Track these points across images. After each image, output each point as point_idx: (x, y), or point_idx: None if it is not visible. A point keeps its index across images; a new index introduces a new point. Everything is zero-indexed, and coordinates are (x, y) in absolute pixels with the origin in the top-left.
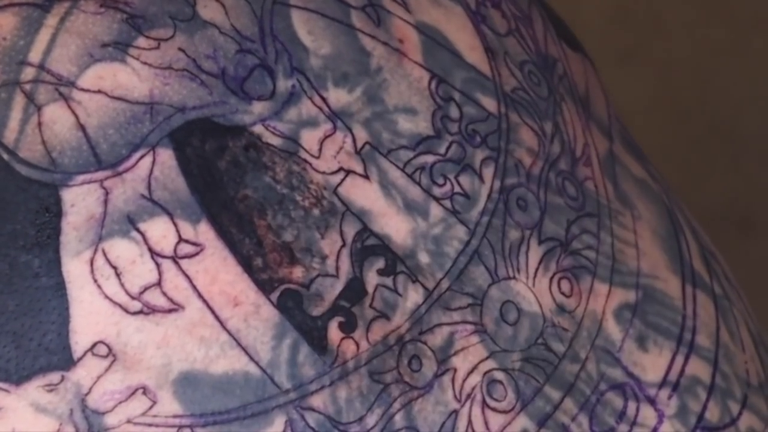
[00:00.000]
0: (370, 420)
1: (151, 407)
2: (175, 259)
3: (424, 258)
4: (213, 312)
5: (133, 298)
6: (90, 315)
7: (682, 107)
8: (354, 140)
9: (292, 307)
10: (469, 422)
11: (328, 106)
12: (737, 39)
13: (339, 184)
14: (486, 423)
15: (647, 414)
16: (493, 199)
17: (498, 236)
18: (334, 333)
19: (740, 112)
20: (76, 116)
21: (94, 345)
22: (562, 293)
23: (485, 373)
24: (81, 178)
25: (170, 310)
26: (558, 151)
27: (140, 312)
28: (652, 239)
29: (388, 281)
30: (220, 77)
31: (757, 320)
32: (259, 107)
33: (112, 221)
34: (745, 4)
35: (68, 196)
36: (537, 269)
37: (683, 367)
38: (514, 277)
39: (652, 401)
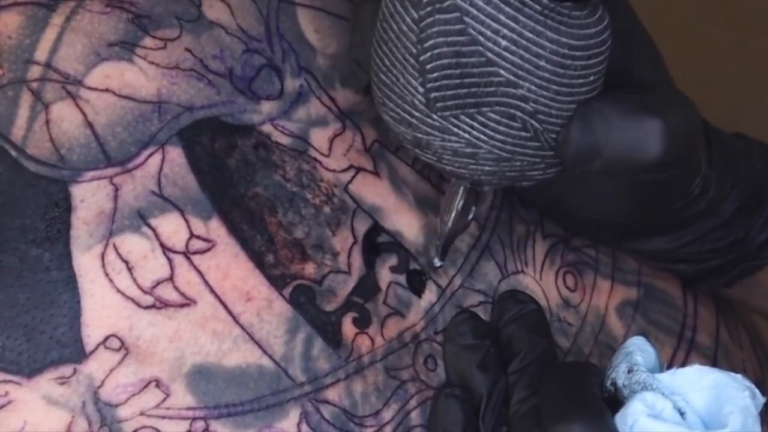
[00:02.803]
0: (387, 414)
1: (164, 400)
2: (186, 254)
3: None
4: (225, 307)
5: (145, 292)
6: (102, 308)
7: None
8: (363, 138)
9: (305, 302)
10: None
11: (337, 106)
12: (737, 39)
13: (349, 182)
14: None
15: None
16: (499, 194)
17: (506, 230)
18: (348, 328)
19: (740, 112)
20: (84, 114)
21: (107, 338)
22: (567, 287)
23: None
24: (90, 174)
25: (183, 305)
26: None
27: (152, 306)
28: None
29: (401, 279)
30: (227, 77)
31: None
32: (267, 107)
33: (123, 217)
34: (745, 4)
35: (78, 192)
36: (543, 263)
37: (683, 364)
38: (522, 271)
39: None
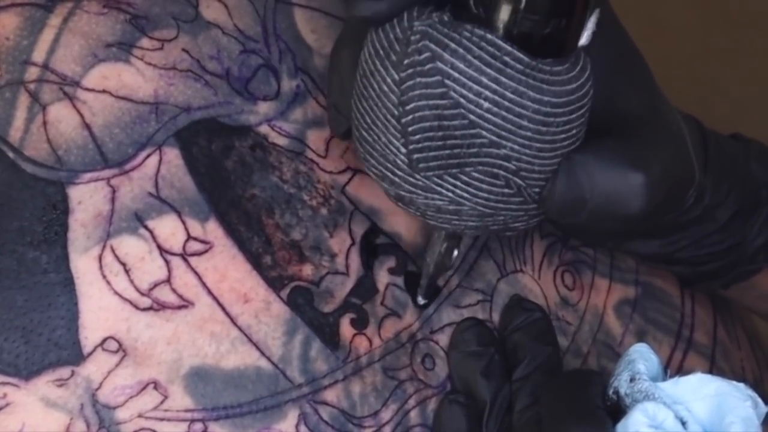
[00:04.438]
0: (385, 415)
1: (162, 402)
2: (184, 256)
3: None
4: (223, 308)
5: (142, 294)
6: (99, 311)
7: (682, 107)
8: None
9: (303, 303)
10: None
11: None
12: (737, 39)
13: (347, 183)
14: None
15: None
16: None
17: None
18: (346, 329)
19: (740, 112)
20: (81, 115)
21: (104, 340)
22: (566, 286)
23: None
24: (88, 176)
25: (180, 307)
26: None
27: (150, 308)
28: None
29: (399, 280)
30: (224, 77)
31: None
32: (264, 107)
33: (120, 218)
34: (745, 4)
35: (75, 193)
36: (542, 262)
37: (681, 363)
38: (521, 270)
39: None
